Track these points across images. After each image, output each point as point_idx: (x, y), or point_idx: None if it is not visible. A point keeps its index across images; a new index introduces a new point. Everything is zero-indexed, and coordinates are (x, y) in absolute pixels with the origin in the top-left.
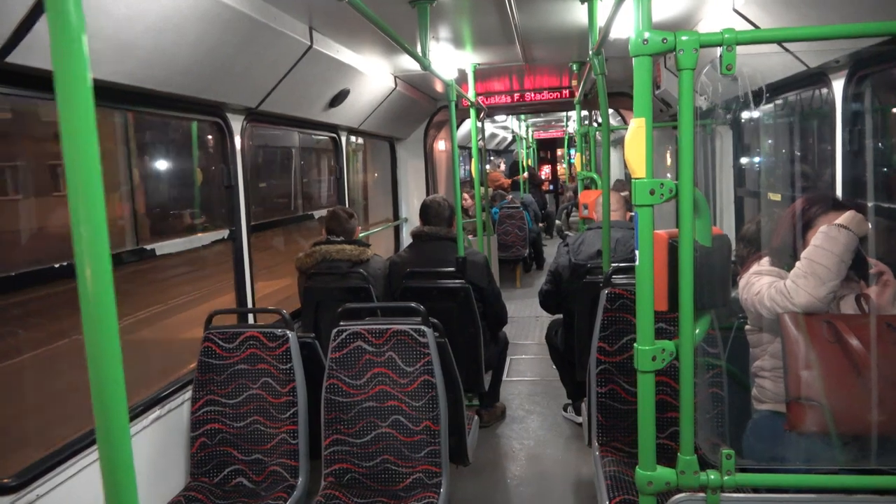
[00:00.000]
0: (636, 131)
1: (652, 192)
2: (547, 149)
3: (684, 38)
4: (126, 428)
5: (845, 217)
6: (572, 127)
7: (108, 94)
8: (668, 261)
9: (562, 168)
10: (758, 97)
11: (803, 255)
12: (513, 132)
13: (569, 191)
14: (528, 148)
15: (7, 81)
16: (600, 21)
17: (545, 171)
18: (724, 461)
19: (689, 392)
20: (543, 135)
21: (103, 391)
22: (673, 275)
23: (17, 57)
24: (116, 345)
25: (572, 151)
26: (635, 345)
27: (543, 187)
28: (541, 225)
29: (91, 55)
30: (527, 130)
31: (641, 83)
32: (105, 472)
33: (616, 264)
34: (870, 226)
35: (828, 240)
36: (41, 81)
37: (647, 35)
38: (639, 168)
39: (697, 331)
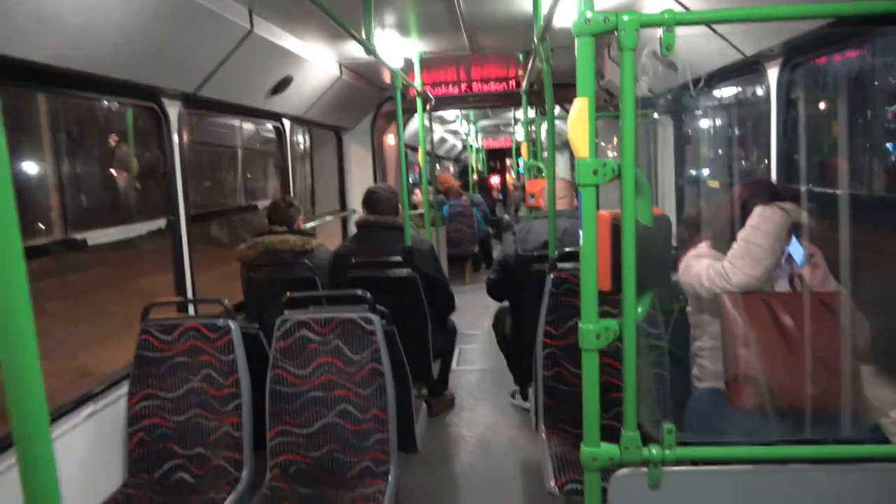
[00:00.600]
0: (580, 111)
1: (595, 172)
2: (496, 159)
3: (625, 17)
4: (47, 430)
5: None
6: (521, 133)
7: (30, 75)
8: (611, 241)
9: (510, 178)
10: (696, 84)
11: (740, 235)
12: (463, 139)
13: (517, 189)
14: (477, 152)
15: None
16: (544, 8)
17: (493, 180)
18: (666, 436)
19: (632, 369)
20: (493, 144)
21: (21, 393)
22: (616, 255)
23: None
24: (33, 342)
25: (520, 161)
26: (579, 323)
27: (493, 194)
28: (491, 231)
29: (10, 31)
30: (476, 136)
31: (584, 63)
32: (25, 476)
33: (563, 250)
34: (804, 214)
35: (763, 220)
36: None
37: (588, 14)
38: (582, 148)
39: (640, 310)
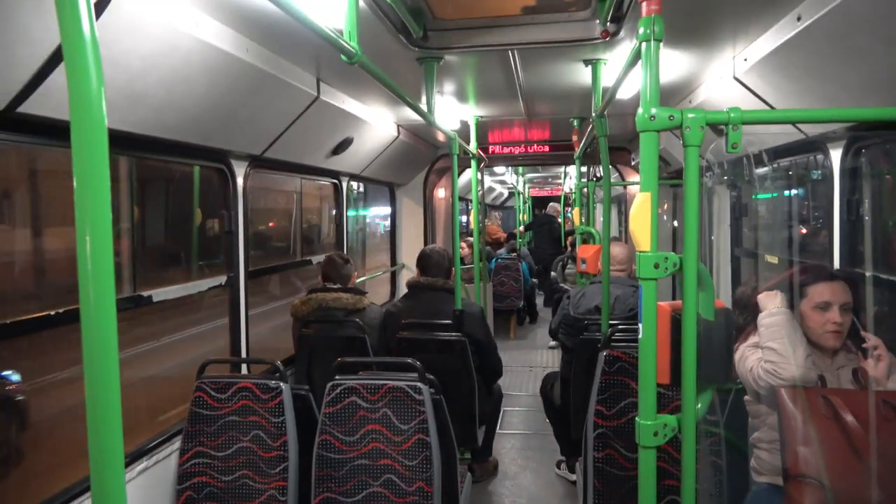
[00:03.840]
0: (642, 205)
1: (657, 266)
2: (542, 205)
3: (691, 115)
4: (121, 476)
5: (765, 299)
6: (569, 185)
7: (117, 142)
8: (670, 333)
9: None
10: (759, 162)
11: (760, 337)
12: (510, 188)
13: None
14: (524, 203)
15: (18, 130)
16: (604, 82)
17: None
18: None
19: (691, 468)
20: (540, 192)
21: (99, 432)
22: (675, 347)
23: (29, 107)
24: (116, 388)
25: (568, 209)
26: (637, 419)
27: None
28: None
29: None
30: (524, 186)
31: (648, 158)
32: None
33: (614, 323)
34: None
35: (769, 325)
36: (52, 130)
37: (654, 111)
38: (644, 241)
39: (699, 406)
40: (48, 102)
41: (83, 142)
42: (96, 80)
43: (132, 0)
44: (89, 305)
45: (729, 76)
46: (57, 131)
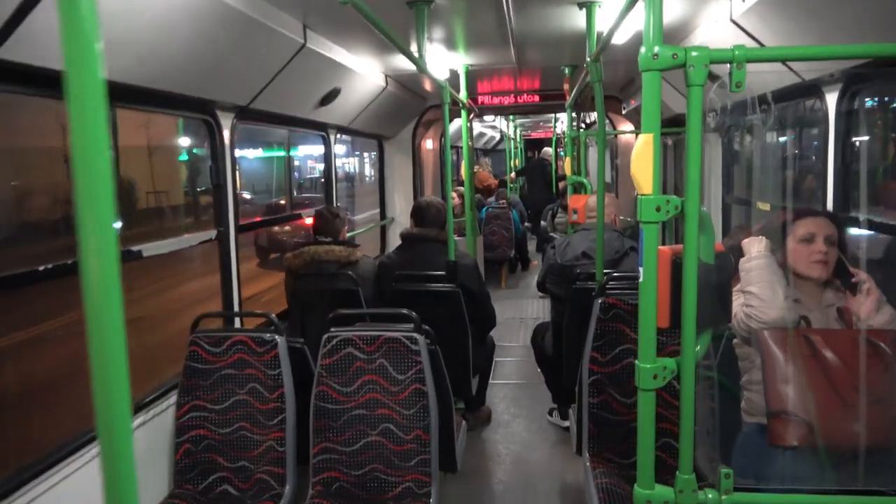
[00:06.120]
0: (644, 147)
1: (658, 209)
2: (534, 148)
3: (694, 53)
4: (129, 420)
5: (748, 244)
6: (560, 128)
7: None
8: (670, 277)
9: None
10: (764, 103)
11: (741, 285)
12: (501, 132)
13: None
14: (515, 148)
15: None
16: (598, 26)
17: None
18: (723, 480)
19: (689, 410)
20: (531, 135)
21: (106, 388)
22: (675, 291)
23: (5, 52)
24: (121, 339)
25: (560, 152)
26: (636, 362)
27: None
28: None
29: None
30: (515, 131)
31: (650, 98)
32: (106, 464)
33: (608, 272)
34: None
35: (749, 269)
36: (29, 77)
37: (657, 50)
38: (645, 184)
39: (698, 348)
40: (28, 48)
41: (80, 95)
42: (91, 25)
43: None
44: (90, 262)
45: (725, 18)
46: (39, 80)
